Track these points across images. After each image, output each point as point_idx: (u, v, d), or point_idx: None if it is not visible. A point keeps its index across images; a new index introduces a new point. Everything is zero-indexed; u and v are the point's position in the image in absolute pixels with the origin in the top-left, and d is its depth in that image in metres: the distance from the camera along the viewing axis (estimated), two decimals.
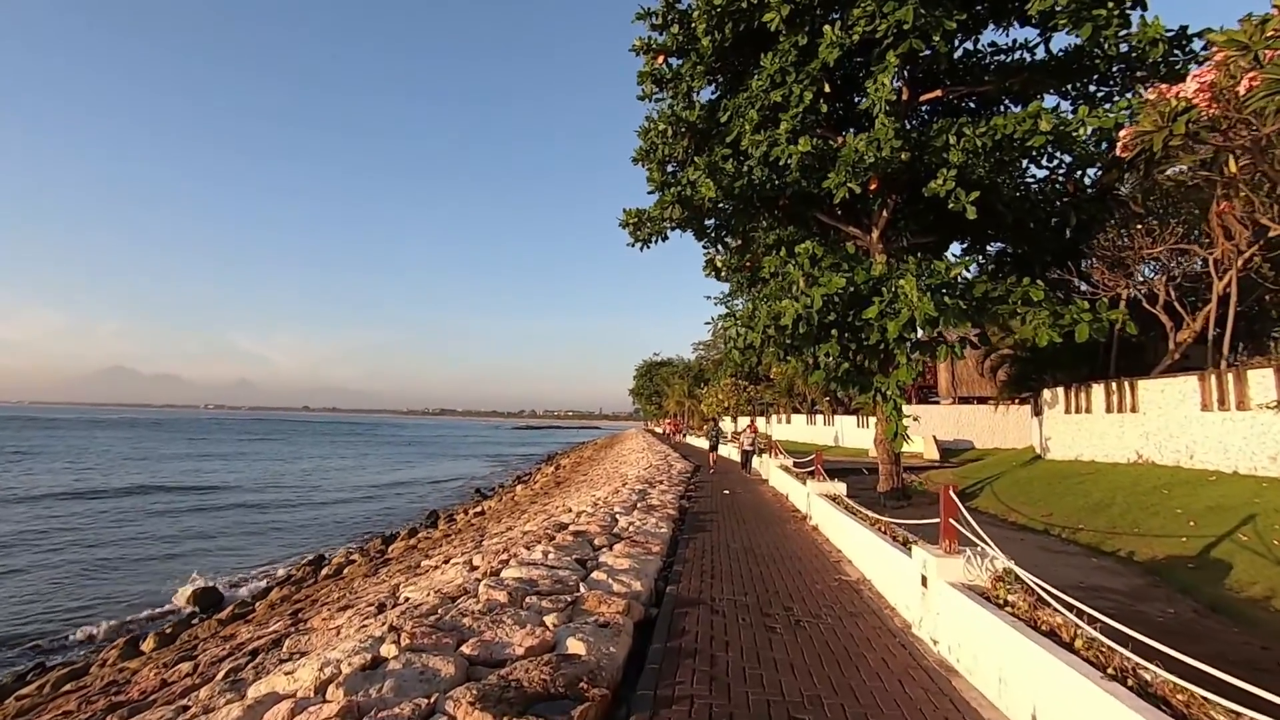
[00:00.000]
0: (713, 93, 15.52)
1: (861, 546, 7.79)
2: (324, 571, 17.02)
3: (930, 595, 5.24)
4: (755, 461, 21.03)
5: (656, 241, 15.38)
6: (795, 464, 17.46)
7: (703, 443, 38.37)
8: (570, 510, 14.09)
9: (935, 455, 29.86)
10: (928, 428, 32.42)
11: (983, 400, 34.53)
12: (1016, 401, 20.64)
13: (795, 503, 13.76)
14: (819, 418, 42.56)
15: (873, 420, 36.73)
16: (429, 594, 6.85)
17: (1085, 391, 13.97)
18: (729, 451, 31.36)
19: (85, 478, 37.99)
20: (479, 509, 27.61)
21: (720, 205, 13.28)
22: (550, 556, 7.99)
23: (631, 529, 10.17)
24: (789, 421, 46.78)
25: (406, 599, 7.43)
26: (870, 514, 8.37)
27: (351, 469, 51.90)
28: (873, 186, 11.88)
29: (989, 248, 16.65)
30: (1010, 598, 4.56)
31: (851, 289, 11.02)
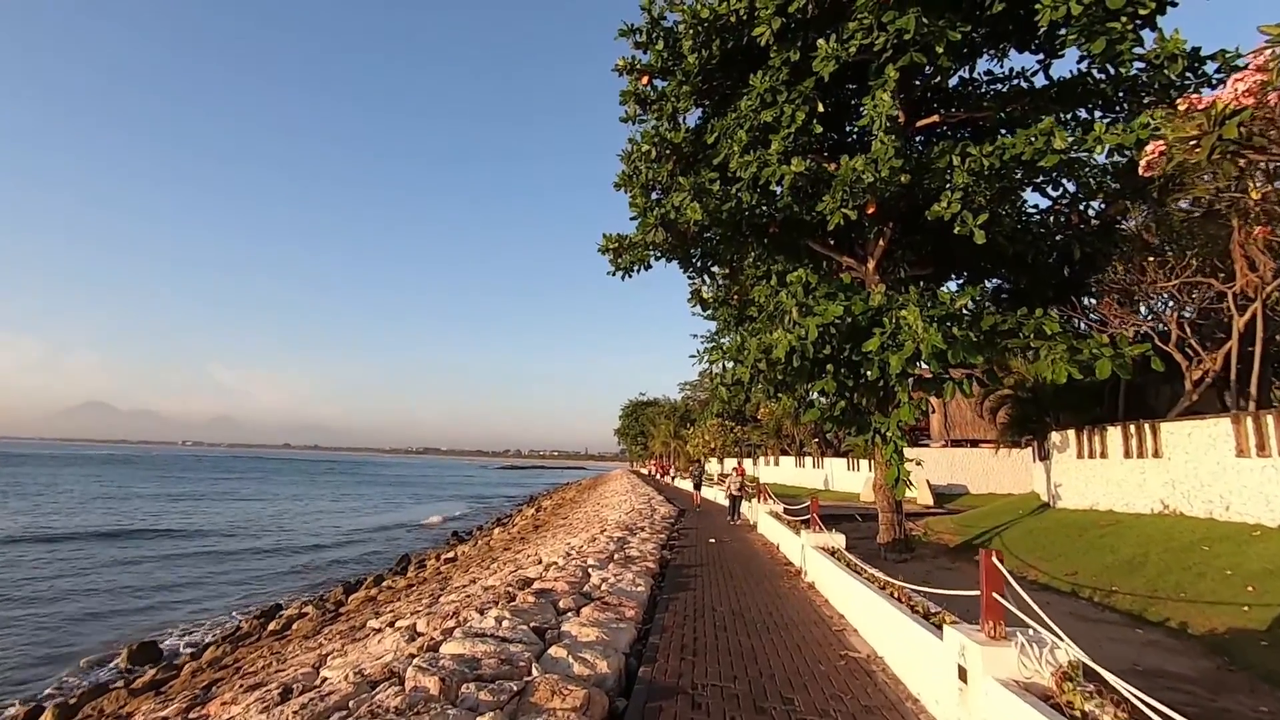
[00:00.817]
0: (699, 118, 14.84)
1: (871, 614, 6.61)
2: (271, 626, 15.51)
3: (972, 694, 4.06)
4: (744, 507, 19.57)
5: (639, 270, 14.45)
6: (786, 510, 16.27)
7: (690, 485, 37.04)
8: (540, 561, 12.78)
9: (929, 500, 28.75)
10: (919, 471, 31.39)
11: (975, 443, 33.61)
12: (1021, 444, 19.67)
13: (788, 554, 12.53)
14: (808, 460, 41.40)
15: (864, 464, 35.85)
16: (349, 675, 5.57)
17: (1099, 434, 13.00)
18: (714, 494, 30.05)
19: (46, 520, 35.74)
20: (452, 555, 26.06)
21: (706, 231, 12.41)
22: (504, 624, 6.74)
23: (605, 586, 8.92)
24: (777, 463, 45.52)
25: (324, 679, 6.14)
26: (879, 575, 7.21)
27: (332, 511, 49.59)
28: (870, 210, 11.05)
29: (986, 283, 15.88)
30: (1087, 707, 3.42)
31: (849, 319, 10.07)
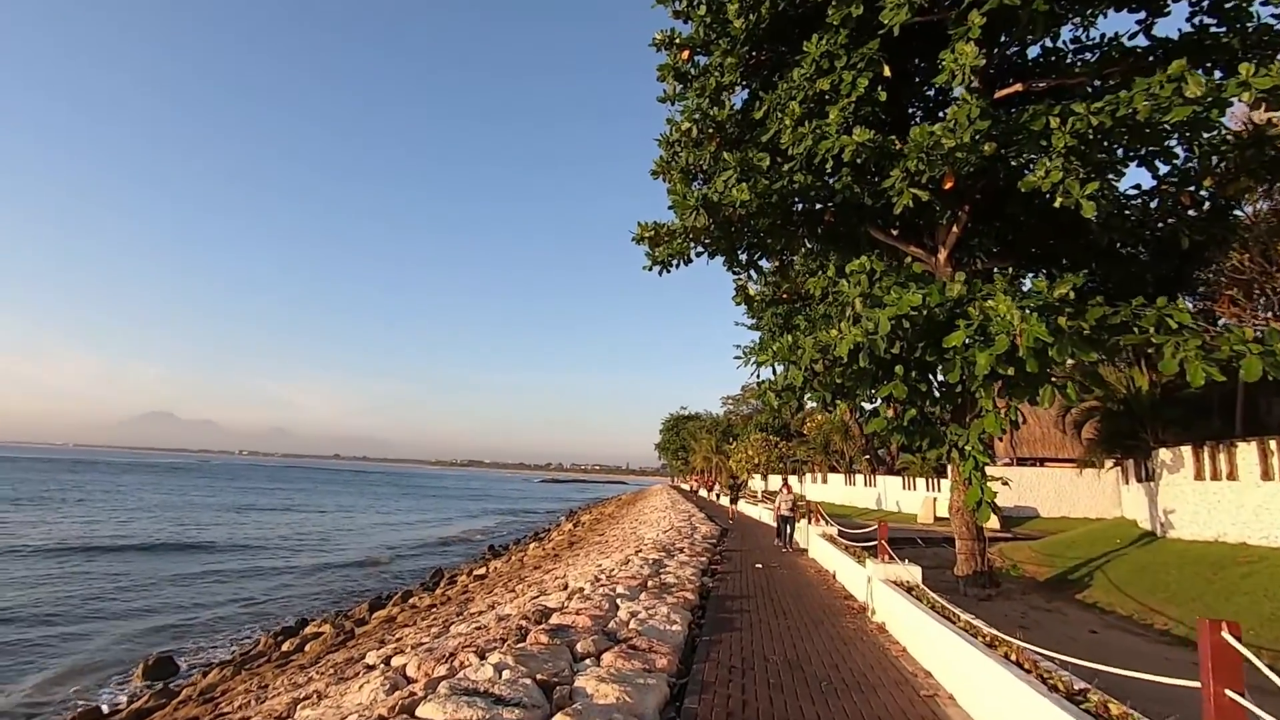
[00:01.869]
0: (744, 99, 13.49)
1: (977, 680, 5.03)
2: (285, 646, 14.64)
3: None
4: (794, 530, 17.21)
5: (677, 265, 13.07)
6: (841, 533, 14.58)
7: (743, 507, 35.36)
8: (565, 587, 11.43)
9: (995, 524, 26.40)
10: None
11: (1043, 461, 31.03)
12: (1111, 464, 17.45)
13: (847, 585, 10.88)
14: (858, 478, 39.12)
15: (920, 483, 33.44)
16: None
17: (1226, 452, 10.99)
18: (759, 514, 28.28)
19: (107, 530, 35.99)
20: (483, 570, 25.02)
21: (753, 217, 10.96)
22: (504, 675, 5.39)
23: (634, 623, 7.50)
24: (825, 481, 43.26)
25: None
26: (983, 625, 5.60)
27: (380, 525, 49.10)
28: (947, 186, 9.47)
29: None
30: None
31: (925, 312, 8.49)
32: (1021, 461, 32.93)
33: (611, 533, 29.19)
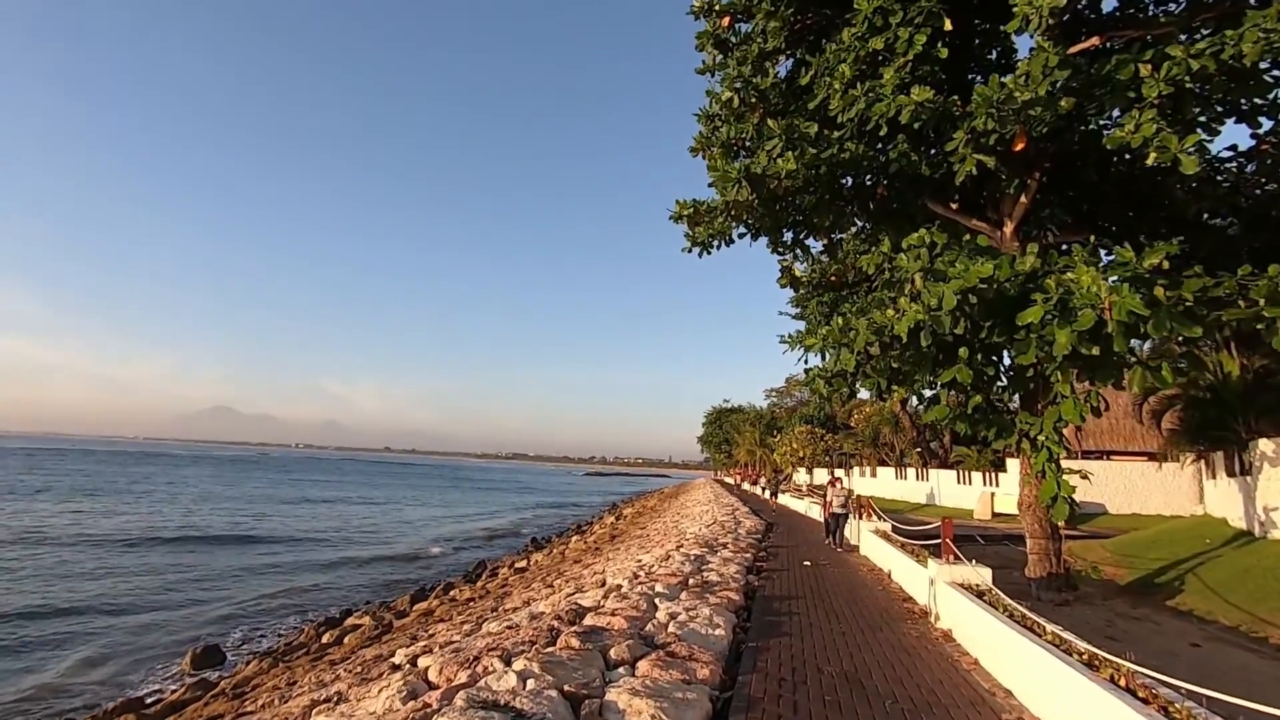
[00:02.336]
0: (789, 68, 12.66)
1: (1069, 702, 4.27)
2: (324, 638, 14.62)
3: None
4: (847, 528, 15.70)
5: (718, 246, 12.38)
6: (896, 529, 13.71)
7: (789, 501, 34.64)
8: (603, 584, 10.93)
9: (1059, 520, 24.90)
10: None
11: (1109, 454, 29.21)
12: (1193, 457, 16.00)
13: (905, 586, 10.08)
14: (909, 472, 37.67)
15: (976, 477, 31.86)
16: None
17: None
18: (805, 508, 27.37)
19: (165, 520, 37.31)
20: (525, 563, 24.88)
21: (799, 190, 10.18)
22: (528, 685, 4.88)
23: (673, 626, 6.92)
24: (874, 475, 41.87)
25: None
26: (1075, 640, 4.83)
27: (429, 519, 49.58)
28: (1018, 147, 8.53)
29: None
30: None
31: (994, 286, 7.63)
32: (1086, 454, 31.11)
33: (653, 526, 28.69)
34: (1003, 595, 6.70)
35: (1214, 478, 14.56)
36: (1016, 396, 10.33)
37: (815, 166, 9.73)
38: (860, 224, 12.74)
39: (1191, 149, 7.22)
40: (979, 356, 8.77)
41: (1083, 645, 4.65)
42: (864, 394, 11.44)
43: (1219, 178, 10.85)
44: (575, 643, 6.07)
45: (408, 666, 6.93)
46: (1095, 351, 7.13)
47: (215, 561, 25.87)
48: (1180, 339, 7.36)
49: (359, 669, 8.11)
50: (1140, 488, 25.07)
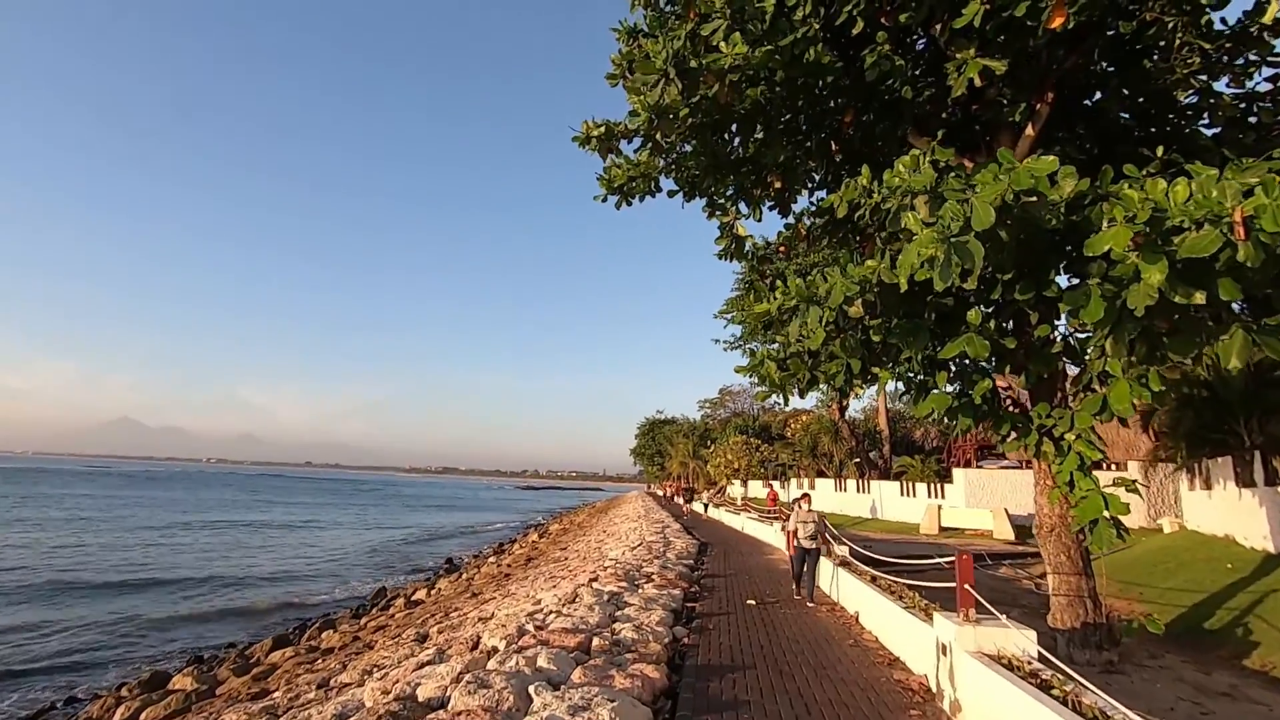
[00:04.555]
0: None
1: None
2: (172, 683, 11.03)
3: None
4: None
5: (641, 198, 9.64)
6: (854, 552, 11.19)
7: (723, 516, 32.37)
8: (477, 643, 7.85)
9: (1009, 533, 23.23)
10: (993, 496, 25.88)
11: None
12: (1176, 464, 14.04)
13: (885, 640, 7.43)
14: (849, 483, 35.88)
15: (920, 488, 30.05)
16: None
17: None
18: (741, 524, 24.84)
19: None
20: (423, 594, 21.36)
21: (749, 89, 7.48)
22: None
23: None
24: (813, 487, 39.94)
25: None
26: None
27: (340, 540, 43.88)
28: (1056, 23, 6.12)
29: None
30: None
31: (1044, 205, 5.10)
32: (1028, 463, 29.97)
33: (575, 547, 25.59)
34: (1083, 682, 4.07)
35: (1206, 488, 12.77)
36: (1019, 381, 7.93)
37: (770, 60, 7.06)
38: (820, 174, 10.19)
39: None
40: (997, 321, 6.26)
41: None
42: (810, 400, 8.78)
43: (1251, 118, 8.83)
44: None
45: None
46: (1199, 299, 4.65)
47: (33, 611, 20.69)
48: None
49: None
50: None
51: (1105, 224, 5.01)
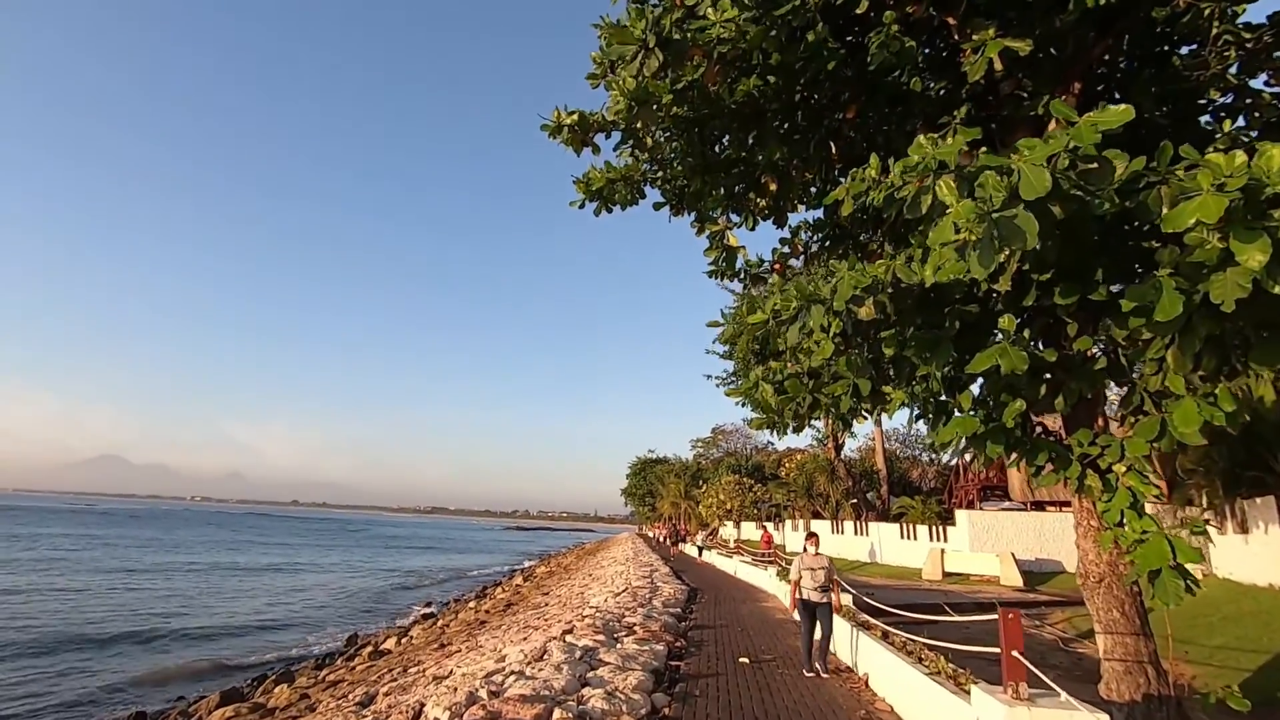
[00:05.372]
0: None
1: None
2: None
3: None
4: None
5: (621, 205, 8.71)
6: (857, 601, 9.98)
7: (715, 559, 31.07)
8: (419, 713, 6.59)
9: (1017, 580, 21.92)
10: (998, 540, 24.59)
11: (1065, 505, 26.84)
12: (1206, 504, 12.92)
13: (906, 714, 6.22)
14: (846, 525, 34.48)
15: (921, 531, 28.66)
16: None
17: None
18: (734, 568, 23.46)
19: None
20: (391, 643, 19.84)
21: (741, 63, 6.63)
22: None
23: None
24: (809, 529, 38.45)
25: None
26: None
27: (319, 582, 41.71)
28: None
29: None
30: None
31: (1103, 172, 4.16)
32: (1038, 505, 28.76)
33: (557, 592, 24.08)
34: None
35: (1242, 531, 11.68)
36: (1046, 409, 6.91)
37: (767, 33, 6.23)
38: (817, 186, 9.33)
39: None
40: (1038, 323, 5.29)
41: None
42: (805, 439, 7.73)
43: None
44: None
45: None
46: None
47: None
48: None
49: None
50: None
51: (1167, 207, 4.06)
